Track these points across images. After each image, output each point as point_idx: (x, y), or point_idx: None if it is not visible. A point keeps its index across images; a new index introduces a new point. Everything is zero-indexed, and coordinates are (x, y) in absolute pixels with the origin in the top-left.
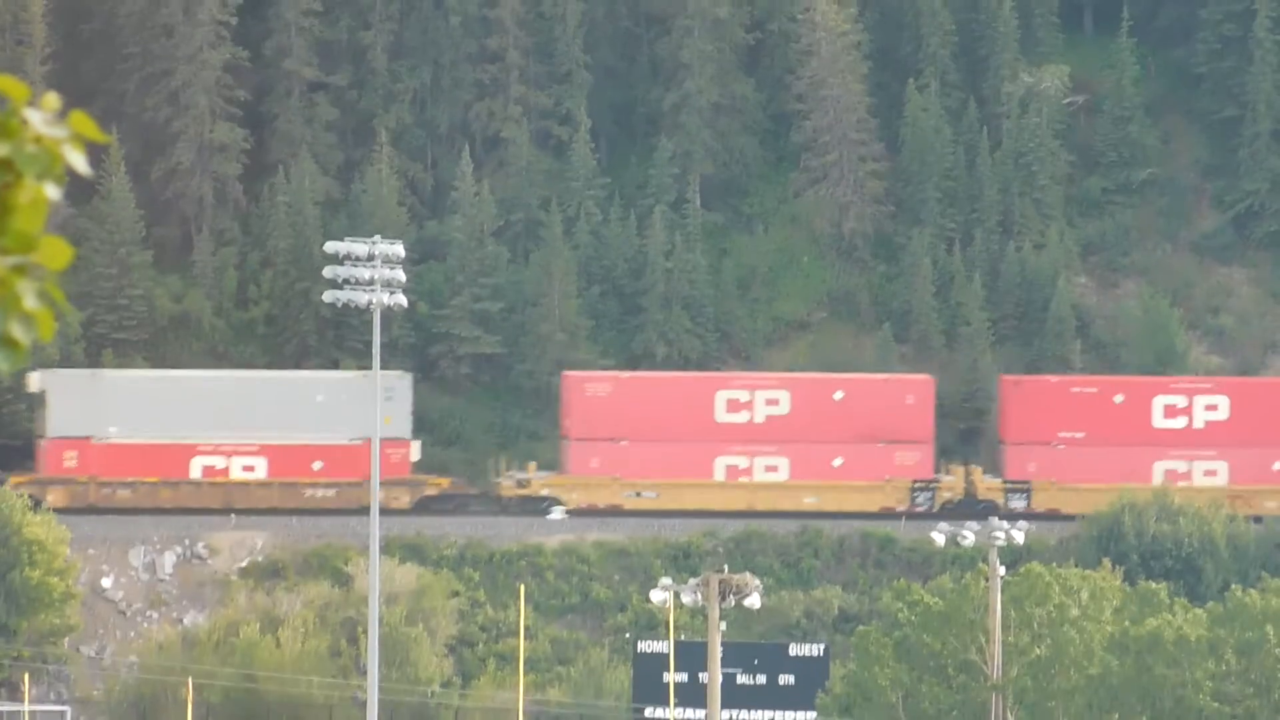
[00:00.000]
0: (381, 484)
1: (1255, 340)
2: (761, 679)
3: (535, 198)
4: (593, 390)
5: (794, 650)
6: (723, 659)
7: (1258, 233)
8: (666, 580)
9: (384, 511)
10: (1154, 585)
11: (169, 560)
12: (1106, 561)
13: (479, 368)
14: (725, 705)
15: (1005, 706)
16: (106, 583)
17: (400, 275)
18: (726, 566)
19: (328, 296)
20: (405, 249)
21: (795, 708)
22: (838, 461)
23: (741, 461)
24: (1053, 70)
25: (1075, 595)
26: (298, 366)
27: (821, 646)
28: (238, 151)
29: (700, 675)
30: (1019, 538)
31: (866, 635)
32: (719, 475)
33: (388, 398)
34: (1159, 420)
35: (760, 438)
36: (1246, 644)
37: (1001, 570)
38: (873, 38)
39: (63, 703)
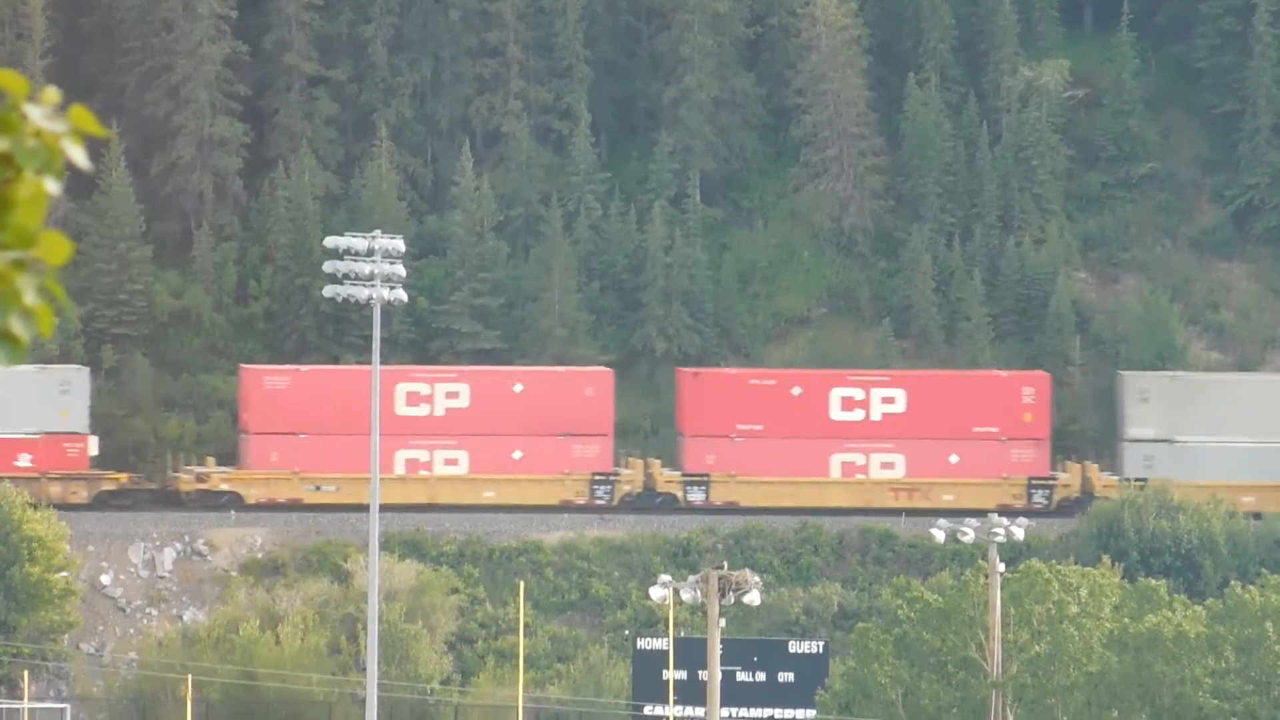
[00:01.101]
0: (58, 478)
1: (1255, 335)
2: (761, 676)
3: (535, 193)
4: (271, 383)
5: (794, 647)
6: (722, 656)
7: (1258, 228)
8: (666, 577)
9: (62, 507)
10: (1153, 582)
11: (168, 557)
12: (1106, 558)
13: (479, 363)
14: (725, 703)
15: (1005, 703)
16: (106, 579)
17: (400, 270)
18: (726, 563)
19: (328, 292)
20: (405, 244)
21: (795, 705)
22: (517, 454)
23: (422, 455)
24: (1052, 65)
25: (1075, 592)
26: (298, 362)
27: (821, 643)
28: (238, 146)
29: (700, 672)
30: (1019, 534)
31: (866, 632)
32: (399, 469)
33: (64, 391)
34: (836, 413)
35: (440, 430)
36: (1246, 641)
37: (1001, 567)
38: (872, 32)
39: (62, 700)
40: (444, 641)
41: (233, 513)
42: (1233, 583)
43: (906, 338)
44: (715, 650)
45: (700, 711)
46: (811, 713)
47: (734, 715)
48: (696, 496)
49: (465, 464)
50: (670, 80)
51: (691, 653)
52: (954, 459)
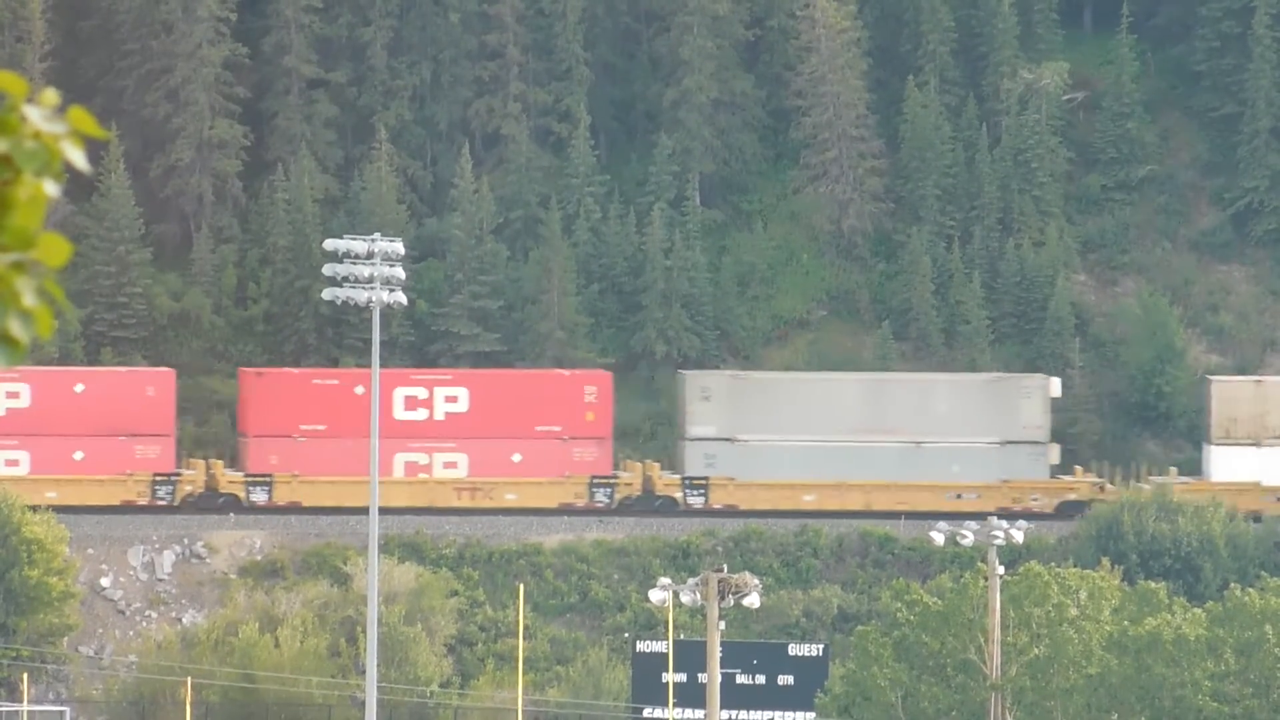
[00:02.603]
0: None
1: (1254, 338)
2: (761, 679)
3: (534, 195)
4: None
5: (793, 650)
6: (722, 659)
7: (1257, 230)
8: (665, 580)
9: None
10: (1153, 585)
11: (168, 559)
12: (1105, 561)
13: (478, 365)
14: (724, 705)
15: (1004, 706)
16: (105, 582)
17: (399, 273)
18: (725, 566)
19: (327, 294)
20: (404, 246)
21: (794, 708)
22: (79, 455)
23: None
24: (1052, 67)
25: (1074, 595)
26: (297, 364)
27: (821, 646)
28: (237, 149)
29: (699, 675)
30: (1018, 537)
31: (866, 635)
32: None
33: None
34: (400, 412)
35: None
36: (1245, 644)
37: (1000, 570)
38: (872, 34)
39: (62, 702)
40: (443, 644)
41: (232, 515)
42: (1232, 585)
43: (906, 340)
44: (715, 653)
45: (700, 714)
46: (811, 715)
47: (734, 718)
48: (259, 497)
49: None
50: (670, 82)
51: (691, 655)
52: (517, 458)
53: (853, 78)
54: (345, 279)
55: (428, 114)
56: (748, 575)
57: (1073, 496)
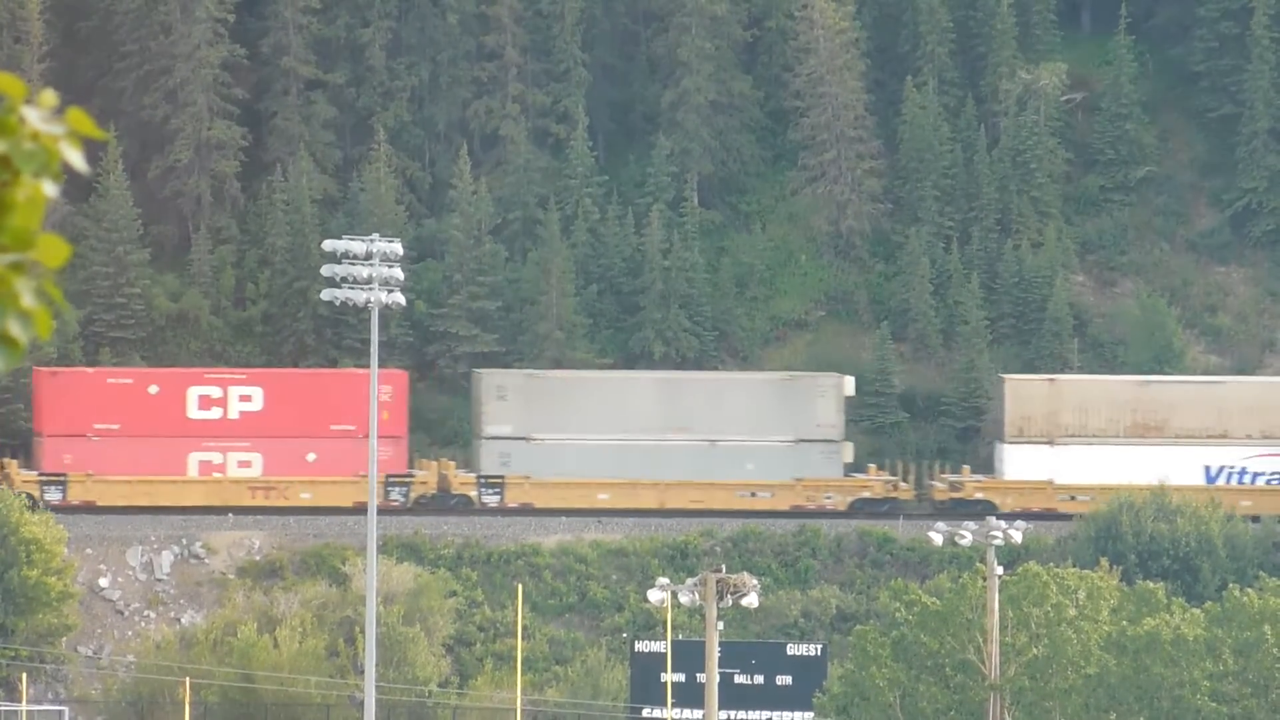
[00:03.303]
0: None
1: (1253, 339)
2: (759, 679)
3: (533, 196)
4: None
5: (791, 650)
6: (720, 659)
7: (1255, 231)
8: (664, 580)
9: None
10: (1151, 585)
11: (166, 560)
12: (1104, 561)
13: (477, 366)
14: (723, 705)
15: (1003, 706)
16: (104, 582)
17: (398, 273)
18: (724, 566)
19: (326, 295)
20: (403, 247)
21: (793, 708)
22: (311, 456)
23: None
24: (1050, 68)
25: (1073, 595)
26: (296, 365)
27: (819, 646)
28: (235, 149)
29: (698, 675)
30: (1017, 537)
31: (864, 635)
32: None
33: None
34: (194, 411)
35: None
36: (1244, 644)
37: (999, 570)
38: (870, 35)
39: (60, 703)
40: (442, 644)
41: (230, 516)
42: (1231, 586)
43: (904, 341)
44: (713, 653)
45: (698, 714)
46: (809, 715)
47: (732, 718)
48: (53, 496)
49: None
50: (668, 83)
51: (689, 655)
52: (311, 457)
53: (851, 79)
54: (344, 280)
55: (426, 115)
56: (746, 575)
57: (867, 494)
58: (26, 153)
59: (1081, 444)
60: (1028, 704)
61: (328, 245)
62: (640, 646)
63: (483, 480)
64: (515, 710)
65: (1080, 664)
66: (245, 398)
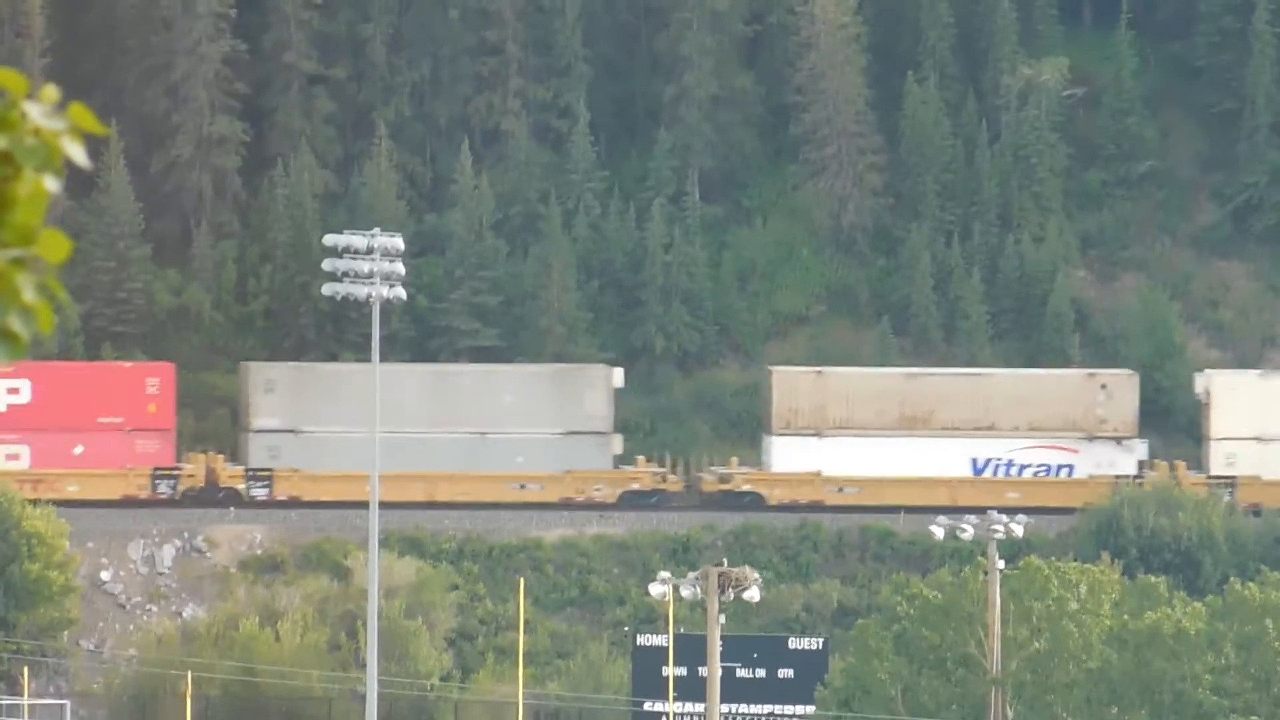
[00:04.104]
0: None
1: (1254, 334)
2: (761, 673)
3: (534, 191)
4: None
5: (793, 644)
6: (722, 653)
7: (1257, 226)
8: (665, 574)
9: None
10: (1153, 579)
11: (168, 554)
12: (1105, 555)
13: (478, 361)
14: (724, 699)
15: (1004, 700)
16: (106, 576)
17: (399, 268)
18: (725, 560)
19: (327, 290)
20: (404, 242)
21: (794, 701)
22: (78, 449)
23: None
24: (1052, 63)
25: (1074, 589)
26: (297, 360)
27: (821, 640)
28: (237, 144)
29: (699, 669)
30: (1018, 531)
31: (866, 629)
32: None
33: None
34: None
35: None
36: (1245, 638)
37: (1000, 564)
38: (872, 30)
39: (62, 697)
40: (444, 638)
41: (232, 509)
42: (1232, 579)
43: (905, 336)
44: (715, 647)
45: (700, 708)
46: (811, 709)
47: (734, 712)
48: None
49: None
50: (669, 78)
51: (691, 649)
52: (79, 450)
53: (852, 74)
54: (345, 274)
55: (427, 110)
56: (747, 569)
57: (636, 486)
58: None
59: (849, 436)
60: (1029, 698)
61: (329, 240)
62: (642, 640)
63: (251, 474)
64: (517, 704)
65: (1081, 658)
66: (13, 390)
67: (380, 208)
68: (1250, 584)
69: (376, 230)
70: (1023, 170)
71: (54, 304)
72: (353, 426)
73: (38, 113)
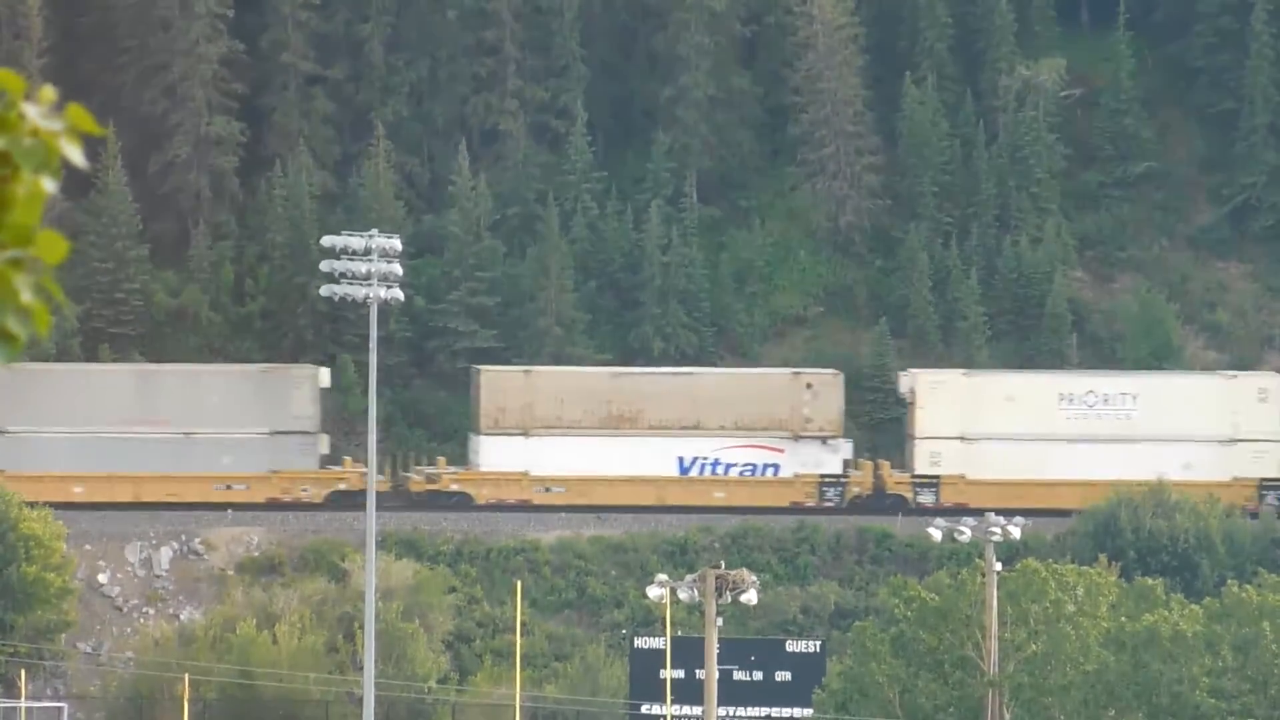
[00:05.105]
0: None
1: (1252, 335)
2: (758, 675)
3: (532, 192)
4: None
5: (791, 646)
6: (719, 655)
7: (1255, 227)
8: (663, 576)
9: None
10: (1150, 581)
11: (165, 556)
12: (1103, 557)
13: (476, 362)
14: (722, 702)
15: (1001, 702)
16: (103, 578)
17: (397, 269)
18: (723, 562)
19: (325, 290)
20: (402, 243)
21: (792, 704)
22: None
23: None
24: (1049, 64)
25: (1071, 591)
26: (295, 360)
27: (818, 642)
28: (234, 145)
29: (697, 671)
30: (1015, 533)
31: (863, 631)
32: None
33: None
34: None
35: None
36: (1243, 640)
37: (998, 566)
38: (869, 31)
39: (59, 699)
40: (441, 640)
41: (230, 512)
42: (1230, 582)
43: (903, 337)
44: (712, 649)
45: (697, 710)
46: (809, 712)
47: (731, 714)
48: None
49: None
50: (667, 79)
51: (689, 652)
52: None
53: (850, 74)
54: (343, 275)
55: (425, 110)
56: (745, 572)
57: (343, 487)
58: (26, 149)
59: (556, 435)
60: (1026, 700)
61: (327, 241)
62: (639, 643)
63: None
64: (514, 707)
65: (1079, 660)
66: None
67: (378, 208)
68: (1248, 586)
69: (374, 231)
70: (1020, 171)
71: (51, 305)
72: (56, 426)
73: (35, 113)
